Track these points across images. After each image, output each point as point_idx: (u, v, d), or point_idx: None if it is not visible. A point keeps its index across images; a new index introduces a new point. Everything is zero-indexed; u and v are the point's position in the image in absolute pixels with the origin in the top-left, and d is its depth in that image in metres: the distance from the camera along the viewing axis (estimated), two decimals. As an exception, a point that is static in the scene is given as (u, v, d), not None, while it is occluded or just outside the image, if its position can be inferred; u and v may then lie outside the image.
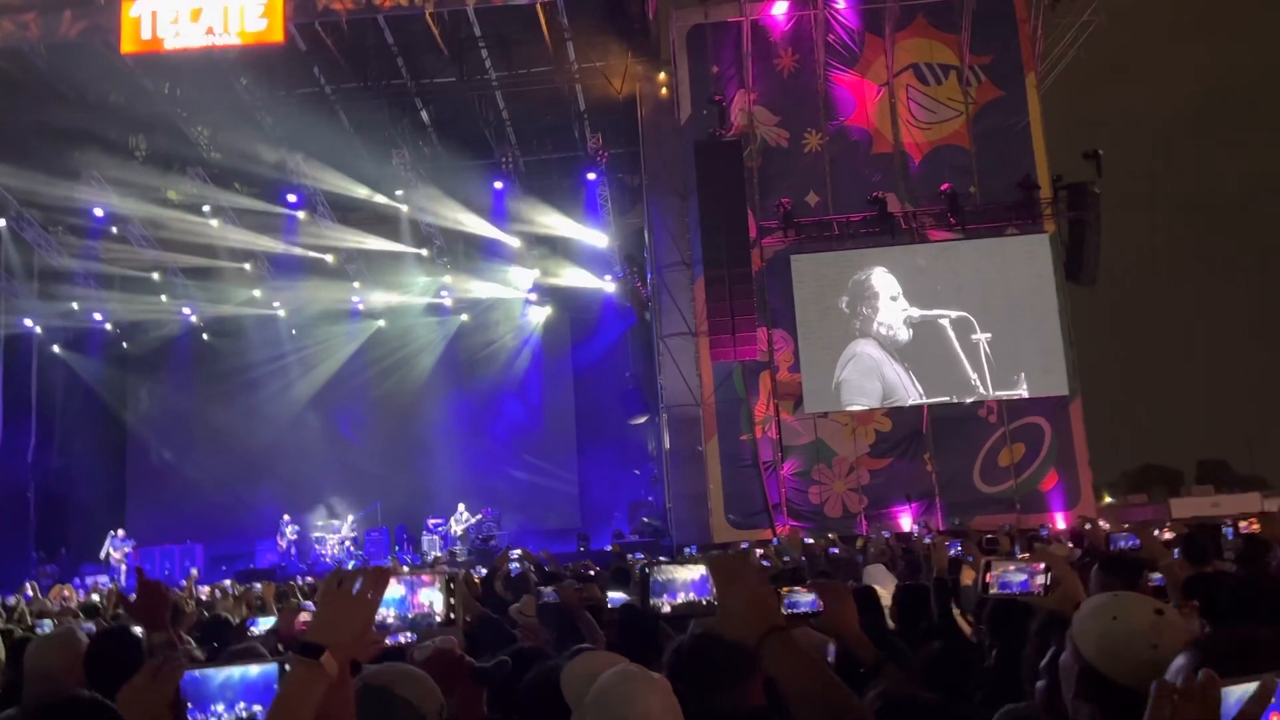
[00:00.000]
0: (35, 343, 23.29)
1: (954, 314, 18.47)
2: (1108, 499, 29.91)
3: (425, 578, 1.99)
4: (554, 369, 24.13)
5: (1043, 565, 3.14)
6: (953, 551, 5.69)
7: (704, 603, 1.98)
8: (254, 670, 1.84)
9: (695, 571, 2.02)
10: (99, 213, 21.18)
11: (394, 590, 1.94)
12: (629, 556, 13.95)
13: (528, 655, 3.33)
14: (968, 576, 5.49)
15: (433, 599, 1.96)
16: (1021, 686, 3.04)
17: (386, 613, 1.93)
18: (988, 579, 3.20)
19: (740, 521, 18.36)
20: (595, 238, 21.57)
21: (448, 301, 24.23)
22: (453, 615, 1.97)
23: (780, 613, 1.93)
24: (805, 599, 3.37)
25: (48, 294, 22.55)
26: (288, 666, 1.80)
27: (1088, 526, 8.93)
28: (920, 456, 18.62)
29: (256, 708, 1.83)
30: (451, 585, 1.99)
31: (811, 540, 15.23)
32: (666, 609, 2.05)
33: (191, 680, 1.84)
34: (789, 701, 1.78)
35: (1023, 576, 3.17)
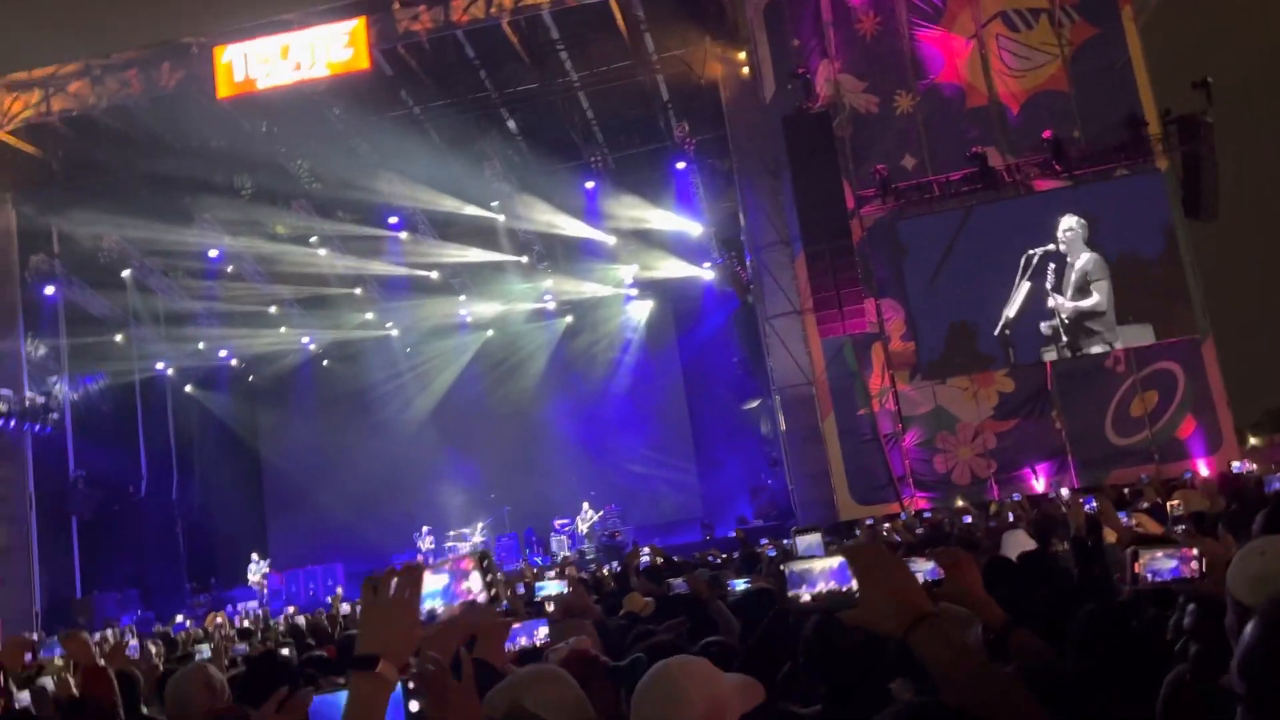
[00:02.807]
0: (169, 384, 24.48)
1: (1078, 263, 17.80)
2: (1253, 440, 28.46)
3: (464, 564, 1.95)
4: (662, 361, 24.18)
5: (1195, 550, 2.96)
6: (1088, 508, 5.45)
7: (844, 591, 1.90)
8: None
9: (834, 560, 1.94)
10: (214, 253, 22.05)
11: (438, 581, 1.91)
12: (756, 542, 13.91)
13: (662, 650, 3.31)
14: (1110, 536, 5.27)
15: (472, 584, 1.93)
16: (1173, 650, 2.88)
17: (434, 603, 1.90)
18: (1135, 568, 3.03)
19: (865, 497, 18.07)
20: (690, 226, 21.50)
21: (551, 305, 24.52)
22: (493, 592, 1.93)
23: (927, 599, 1.84)
24: (924, 568, 3.24)
25: (175, 336, 23.58)
26: (411, 684, 1.79)
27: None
28: (1048, 414, 18.03)
29: None
30: (485, 563, 1.94)
31: (930, 513, 14.92)
32: (806, 598, 1.98)
33: (321, 704, 1.84)
34: (941, 688, 1.70)
35: (1173, 563, 2.99)
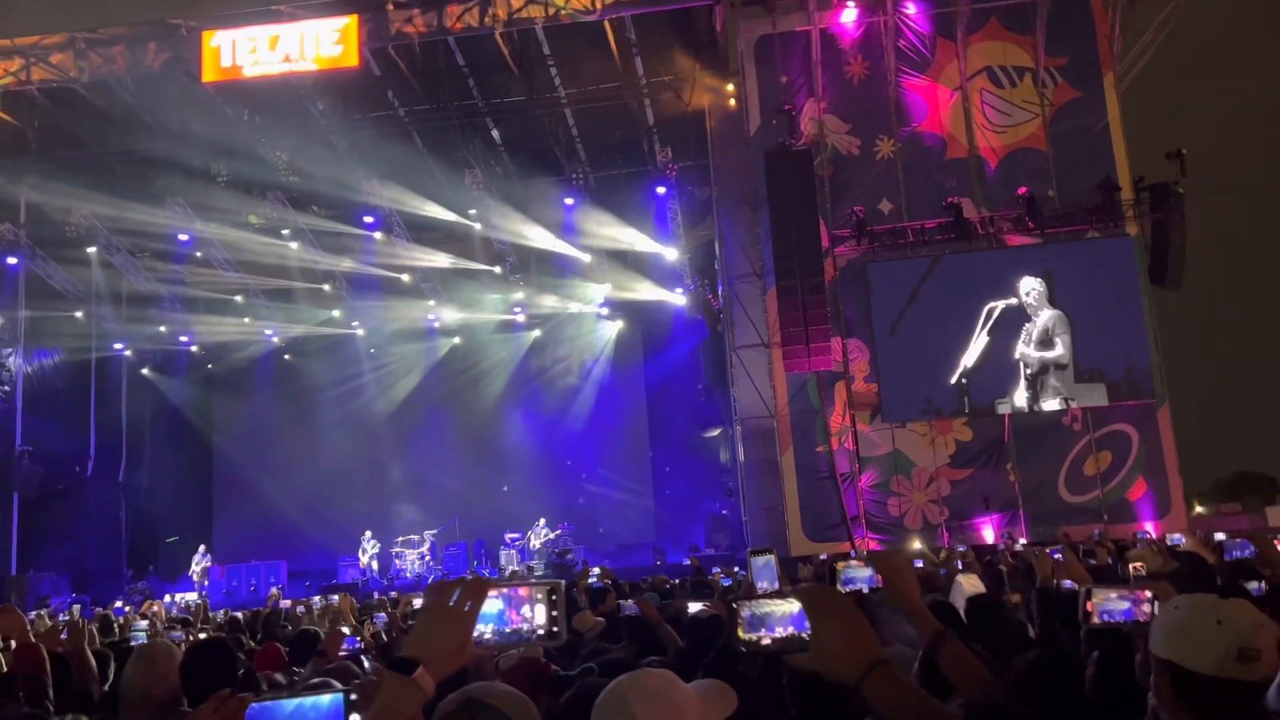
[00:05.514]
0: (125, 365, 24.09)
1: (1040, 319, 18.08)
2: (1199, 508, 28.91)
3: (522, 591, 1.85)
4: (626, 382, 24.17)
5: (1148, 594, 2.97)
6: (1054, 557, 5.52)
7: (803, 637, 1.86)
8: (325, 699, 1.74)
9: (793, 605, 1.89)
10: (183, 237, 21.79)
11: (492, 605, 1.81)
12: (708, 570, 13.90)
13: (613, 667, 3.29)
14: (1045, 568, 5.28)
15: (533, 613, 1.82)
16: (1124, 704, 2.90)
17: (484, 628, 1.80)
18: (1088, 607, 3.04)
19: (818, 534, 18.13)
20: (665, 251, 21.57)
21: (521, 317, 24.45)
22: (556, 629, 1.81)
23: (879, 646, 1.83)
24: (862, 574, 3.19)
25: (136, 318, 23.25)
26: (353, 696, 1.72)
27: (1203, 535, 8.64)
28: (1003, 466, 18.22)
29: None
30: (554, 597, 1.82)
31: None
32: (767, 642, 1.92)
33: (258, 712, 1.75)
34: None
35: (1126, 605, 2.99)
